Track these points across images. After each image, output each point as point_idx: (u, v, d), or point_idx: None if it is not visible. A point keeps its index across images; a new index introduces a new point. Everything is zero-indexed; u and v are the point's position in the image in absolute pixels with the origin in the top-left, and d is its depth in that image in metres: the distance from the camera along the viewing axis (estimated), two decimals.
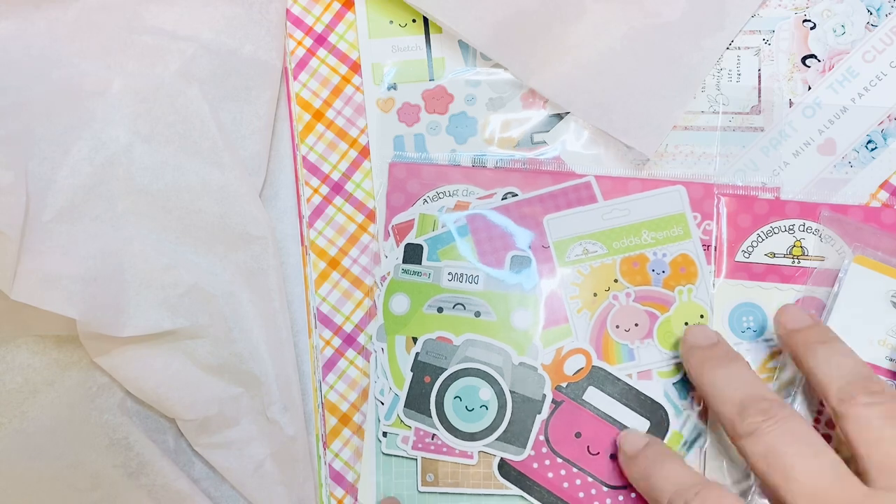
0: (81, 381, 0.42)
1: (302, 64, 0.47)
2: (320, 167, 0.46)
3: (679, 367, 0.43)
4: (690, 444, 0.43)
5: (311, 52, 0.47)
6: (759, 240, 0.44)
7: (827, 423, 0.41)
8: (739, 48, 0.44)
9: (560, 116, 0.45)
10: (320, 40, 0.47)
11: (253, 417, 0.43)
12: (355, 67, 0.46)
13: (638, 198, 0.44)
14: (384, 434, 0.44)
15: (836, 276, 0.43)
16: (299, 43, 0.47)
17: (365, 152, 0.46)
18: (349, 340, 0.45)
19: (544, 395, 0.43)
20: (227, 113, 0.44)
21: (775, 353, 0.43)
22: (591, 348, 0.43)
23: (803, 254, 0.44)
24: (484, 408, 0.43)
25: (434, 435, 0.43)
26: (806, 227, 0.44)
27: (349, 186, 0.46)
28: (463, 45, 0.46)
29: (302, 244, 0.46)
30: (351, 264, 0.46)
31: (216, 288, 0.42)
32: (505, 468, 0.43)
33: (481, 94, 0.46)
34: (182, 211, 0.42)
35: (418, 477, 0.43)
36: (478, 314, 0.44)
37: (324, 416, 0.45)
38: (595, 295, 0.44)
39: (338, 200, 0.46)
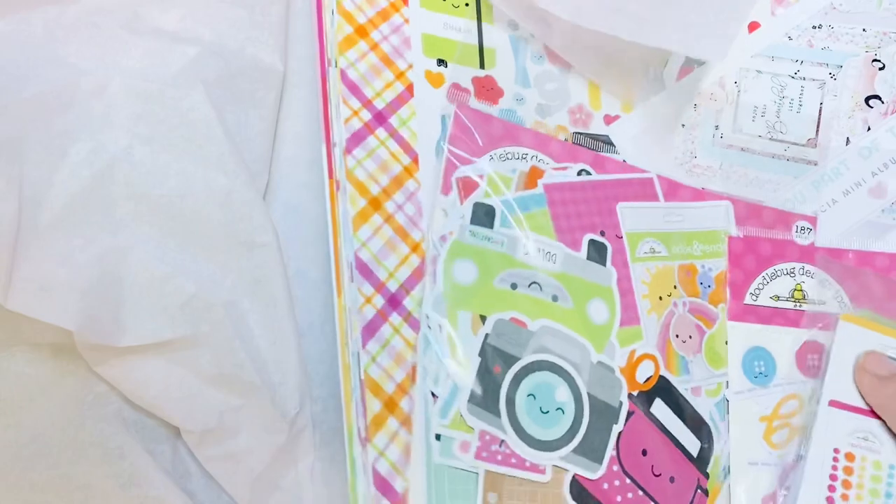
0: (77, 390, 0.41)
1: None
2: (362, 88, 0.37)
3: (721, 386, 0.40)
4: (727, 472, 0.40)
5: None
6: (765, 282, 0.44)
7: (844, 469, 0.41)
8: (805, 78, 0.45)
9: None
10: None
11: (254, 427, 0.40)
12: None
13: (690, 206, 0.42)
14: (437, 437, 0.33)
15: (836, 320, 0.44)
16: None
17: (411, 89, 0.38)
18: (393, 302, 0.34)
19: (621, 403, 0.37)
20: (232, 116, 0.42)
21: (787, 399, 0.43)
22: (658, 354, 0.38)
23: (804, 297, 0.44)
24: (560, 411, 0.35)
25: (503, 441, 0.34)
26: (805, 270, 0.45)
27: (394, 121, 0.37)
28: (514, 42, 0.42)
29: (330, 177, 0.35)
30: (395, 210, 0.36)
31: (218, 296, 0.40)
32: (576, 488, 0.35)
33: (530, 96, 0.42)
34: (185, 217, 0.40)
35: (480, 498, 0.33)
36: (555, 298, 0.36)
37: (363, 398, 0.32)
38: (660, 298, 0.39)
39: (381, 132, 0.37)
